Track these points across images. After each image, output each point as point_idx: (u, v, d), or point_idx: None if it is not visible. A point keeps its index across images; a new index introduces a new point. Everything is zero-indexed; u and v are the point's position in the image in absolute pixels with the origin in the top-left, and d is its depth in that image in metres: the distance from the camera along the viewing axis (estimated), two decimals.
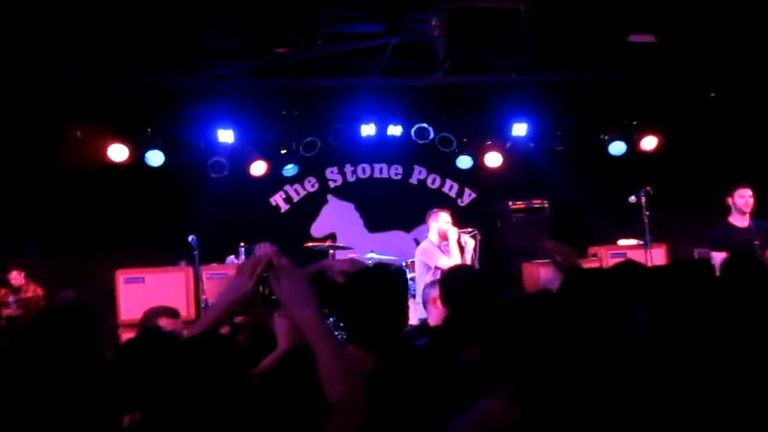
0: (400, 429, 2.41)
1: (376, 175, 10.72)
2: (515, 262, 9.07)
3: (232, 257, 8.53)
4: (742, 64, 8.70)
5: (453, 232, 7.47)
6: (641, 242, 7.98)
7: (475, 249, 7.53)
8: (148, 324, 3.89)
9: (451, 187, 10.80)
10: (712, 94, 9.66)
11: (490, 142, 10.26)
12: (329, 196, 10.58)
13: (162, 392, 1.86)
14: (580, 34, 7.65)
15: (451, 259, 7.21)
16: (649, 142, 10.07)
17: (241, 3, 6.28)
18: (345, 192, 10.61)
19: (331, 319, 3.36)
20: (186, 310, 7.65)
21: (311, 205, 10.53)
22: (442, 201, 9.83)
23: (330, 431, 1.94)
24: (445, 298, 3.87)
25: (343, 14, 7.15)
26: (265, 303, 2.18)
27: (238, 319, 3.25)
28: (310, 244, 8.94)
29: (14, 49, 7.29)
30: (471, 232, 7.61)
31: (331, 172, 10.62)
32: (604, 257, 8.79)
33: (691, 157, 10.06)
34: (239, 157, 9.65)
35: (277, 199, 10.51)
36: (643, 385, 2.22)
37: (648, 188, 7.59)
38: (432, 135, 9.89)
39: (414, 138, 9.92)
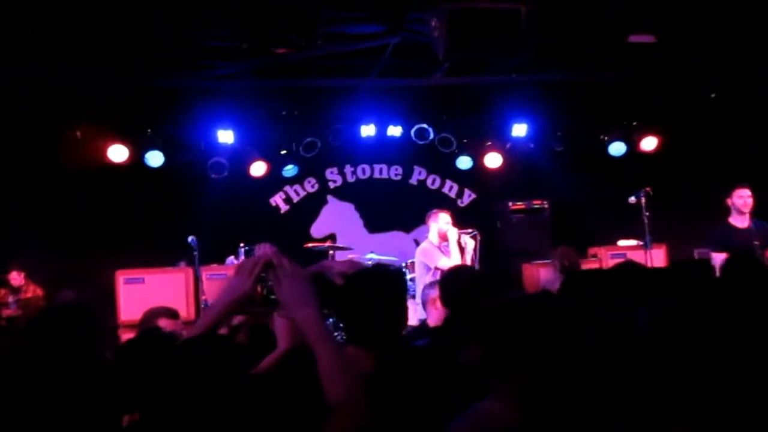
0: (399, 430, 2.40)
1: (376, 175, 10.72)
2: (515, 262, 9.09)
3: (231, 258, 8.52)
4: (743, 64, 8.69)
5: (453, 232, 7.46)
6: (641, 243, 7.97)
7: (475, 250, 7.53)
8: (147, 324, 3.89)
9: (451, 188, 10.80)
10: (713, 95, 9.66)
11: (490, 143, 10.25)
12: (329, 197, 10.58)
13: (161, 392, 1.85)
14: (580, 34, 7.64)
15: (451, 260, 7.19)
16: (649, 143, 10.06)
17: (241, 3, 6.28)
18: (345, 192, 10.60)
19: (330, 320, 3.36)
20: (186, 310, 7.65)
21: (311, 206, 10.53)
22: (442, 202, 9.83)
23: None
24: (445, 299, 3.86)
25: (343, 14, 7.16)
26: (263, 303, 2.18)
27: (237, 319, 3.26)
28: (309, 244, 8.93)
29: (14, 49, 7.29)
30: (471, 232, 7.60)
31: (331, 172, 10.62)
32: (604, 258, 8.80)
33: (691, 157, 10.07)
34: (239, 158, 9.65)
35: (277, 200, 10.51)
36: (643, 386, 2.22)
37: (648, 189, 7.59)
38: (432, 135, 9.89)
39: (414, 138, 9.91)
